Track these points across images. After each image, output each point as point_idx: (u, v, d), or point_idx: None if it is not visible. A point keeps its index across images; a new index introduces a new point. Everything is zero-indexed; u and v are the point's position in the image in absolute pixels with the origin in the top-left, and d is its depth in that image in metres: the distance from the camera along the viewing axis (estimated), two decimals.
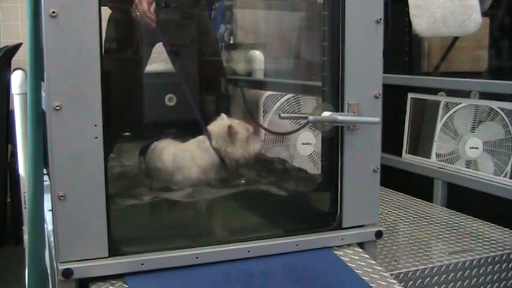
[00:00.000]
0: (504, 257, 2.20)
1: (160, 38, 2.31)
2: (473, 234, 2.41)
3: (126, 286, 1.60)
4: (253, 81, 3.17)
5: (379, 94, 1.84)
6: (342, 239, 1.87)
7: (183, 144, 2.23)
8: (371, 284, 1.69)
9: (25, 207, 2.89)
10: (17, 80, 2.79)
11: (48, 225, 1.94)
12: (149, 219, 1.99)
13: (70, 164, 1.54)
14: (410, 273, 2.04)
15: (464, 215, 2.69)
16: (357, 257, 1.83)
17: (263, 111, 2.79)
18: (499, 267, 2.19)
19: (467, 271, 2.13)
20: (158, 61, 3.03)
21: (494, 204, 2.68)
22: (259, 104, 2.81)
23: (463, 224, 2.56)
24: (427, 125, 3.18)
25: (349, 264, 1.78)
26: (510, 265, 2.21)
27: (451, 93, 3.10)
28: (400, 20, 3.23)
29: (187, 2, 2.58)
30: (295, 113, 2.73)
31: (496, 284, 2.18)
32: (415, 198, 2.99)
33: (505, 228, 2.48)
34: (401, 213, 2.72)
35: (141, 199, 2.06)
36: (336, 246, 1.87)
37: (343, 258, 1.82)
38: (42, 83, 1.69)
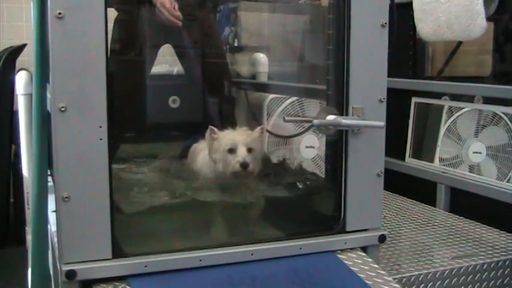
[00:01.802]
0: (507, 262, 2.19)
1: (185, 38, 2.31)
2: (476, 239, 2.41)
3: None
4: (257, 84, 3.17)
5: (383, 98, 1.84)
6: (345, 243, 1.87)
7: None
8: None
9: (28, 208, 2.90)
10: (21, 81, 2.80)
11: (52, 226, 1.94)
12: (154, 221, 1.99)
13: (75, 166, 1.54)
14: (413, 277, 2.04)
15: (467, 219, 2.69)
16: (360, 261, 1.83)
17: (267, 114, 2.79)
18: (502, 272, 2.18)
19: (470, 276, 2.13)
20: (162, 63, 3.03)
21: (498, 209, 2.68)
22: (263, 106, 2.81)
23: (466, 228, 2.56)
24: (431, 129, 3.18)
25: (352, 268, 1.78)
26: None
27: (454, 97, 3.10)
28: (405, 24, 3.23)
29: (195, 4, 2.58)
30: (298, 116, 2.73)
31: None
32: (418, 202, 2.99)
33: (508, 233, 2.48)
34: (404, 218, 2.72)
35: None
36: (339, 250, 1.87)
37: (346, 262, 1.82)
38: (47, 84, 1.70)
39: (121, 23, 2.42)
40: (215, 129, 2.03)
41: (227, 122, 2.56)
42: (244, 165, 1.93)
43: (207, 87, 2.66)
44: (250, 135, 2.03)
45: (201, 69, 2.63)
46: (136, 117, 2.59)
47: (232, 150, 1.97)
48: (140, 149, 2.72)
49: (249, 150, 1.97)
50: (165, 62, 3.01)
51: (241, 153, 1.95)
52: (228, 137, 2.01)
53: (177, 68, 3.00)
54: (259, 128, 2.06)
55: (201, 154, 2.16)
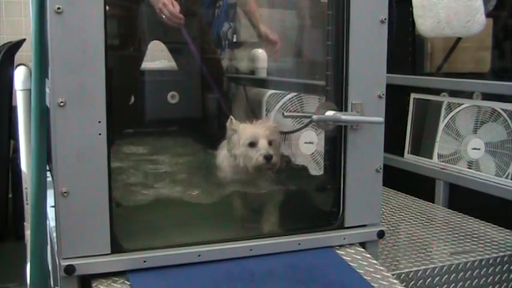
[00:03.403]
0: (505, 258, 2.20)
1: (186, 37, 2.31)
2: (475, 235, 2.41)
3: (128, 283, 1.60)
4: (256, 80, 3.17)
5: (382, 94, 1.84)
6: (344, 239, 1.87)
7: None
8: (373, 284, 1.69)
9: (27, 203, 2.89)
10: (20, 76, 2.80)
11: (51, 222, 1.94)
12: (153, 216, 1.98)
13: (74, 161, 1.54)
14: (412, 273, 2.04)
15: (465, 215, 2.69)
16: (358, 257, 1.83)
17: (266, 110, 2.78)
18: (501, 268, 2.19)
19: (469, 272, 2.13)
20: (161, 58, 3.03)
21: (496, 205, 2.68)
22: (261, 102, 2.81)
23: (464, 224, 2.57)
24: (430, 125, 3.18)
25: (351, 264, 1.79)
26: (511, 267, 2.21)
27: (453, 93, 3.10)
28: (404, 20, 3.23)
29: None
30: (297, 111, 2.73)
31: (497, 286, 2.18)
32: (416, 198, 3.00)
33: (506, 230, 2.49)
34: (403, 214, 2.73)
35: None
36: (338, 246, 1.87)
37: (345, 257, 1.82)
38: (46, 79, 1.69)
39: (113, 18, 2.41)
40: (233, 119, 2.01)
41: (225, 118, 2.56)
42: (268, 158, 1.92)
43: (202, 83, 2.66)
44: (269, 127, 2.02)
45: (193, 64, 2.62)
46: (127, 113, 2.59)
47: (253, 144, 1.95)
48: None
49: (270, 142, 1.96)
50: (163, 57, 3.01)
51: (263, 145, 1.94)
52: (248, 130, 1.98)
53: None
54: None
55: (224, 149, 2.16)
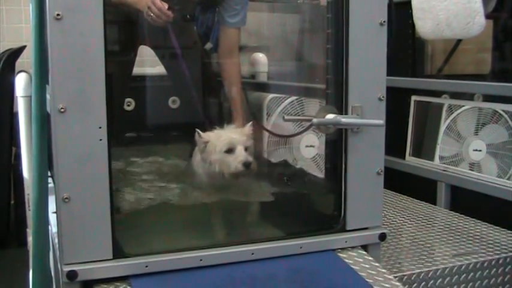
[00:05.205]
0: (508, 259, 2.19)
1: (172, 39, 2.31)
2: (477, 237, 2.41)
3: None
4: (257, 84, 3.17)
5: (383, 96, 1.84)
6: (346, 242, 1.87)
7: None
8: (375, 287, 1.69)
9: (29, 210, 2.90)
10: (21, 83, 2.80)
11: (53, 227, 1.94)
12: (154, 221, 1.99)
13: (75, 166, 1.54)
14: (414, 275, 2.04)
15: (467, 217, 2.69)
16: (360, 260, 1.83)
17: (267, 114, 2.79)
18: (503, 269, 2.19)
19: (471, 274, 2.13)
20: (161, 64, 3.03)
21: (498, 206, 2.68)
22: (262, 106, 2.81)
23: (466, 226, 2.56)
24: (431, 127, 3.18)
25: (353, 267, 1.78)
26: None
27: (454, 95, 3.10)
28: (404, 23, 3.23)
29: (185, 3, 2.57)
30: (298, 115, 2.73)
31: (500, 287, 2.18)
32: (418, 200, 2.99)
33: (508, 231, 2.48)
34: (405, 216, 2.72)
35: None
36: (340, 249, 1.87)
37: (347, 260, 1.82)
38: (46, 85, 1.70)
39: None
40: (200, 132, 2.02)
41: (223, 122, 2.56)
42: (247, 165, 1.94)
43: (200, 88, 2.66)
44: (243, 133, 2.04)
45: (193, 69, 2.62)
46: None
47: (230, 150, 1.97)
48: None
49: (246, 148, 1.98)
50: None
51: (242, 152, 1.96)
52: (224, 136, 2.00)
53: None
54: (249, 124, 2.06)
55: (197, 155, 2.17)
